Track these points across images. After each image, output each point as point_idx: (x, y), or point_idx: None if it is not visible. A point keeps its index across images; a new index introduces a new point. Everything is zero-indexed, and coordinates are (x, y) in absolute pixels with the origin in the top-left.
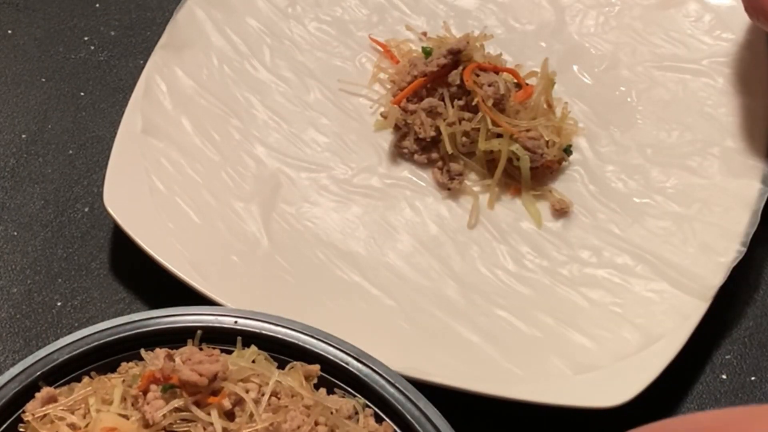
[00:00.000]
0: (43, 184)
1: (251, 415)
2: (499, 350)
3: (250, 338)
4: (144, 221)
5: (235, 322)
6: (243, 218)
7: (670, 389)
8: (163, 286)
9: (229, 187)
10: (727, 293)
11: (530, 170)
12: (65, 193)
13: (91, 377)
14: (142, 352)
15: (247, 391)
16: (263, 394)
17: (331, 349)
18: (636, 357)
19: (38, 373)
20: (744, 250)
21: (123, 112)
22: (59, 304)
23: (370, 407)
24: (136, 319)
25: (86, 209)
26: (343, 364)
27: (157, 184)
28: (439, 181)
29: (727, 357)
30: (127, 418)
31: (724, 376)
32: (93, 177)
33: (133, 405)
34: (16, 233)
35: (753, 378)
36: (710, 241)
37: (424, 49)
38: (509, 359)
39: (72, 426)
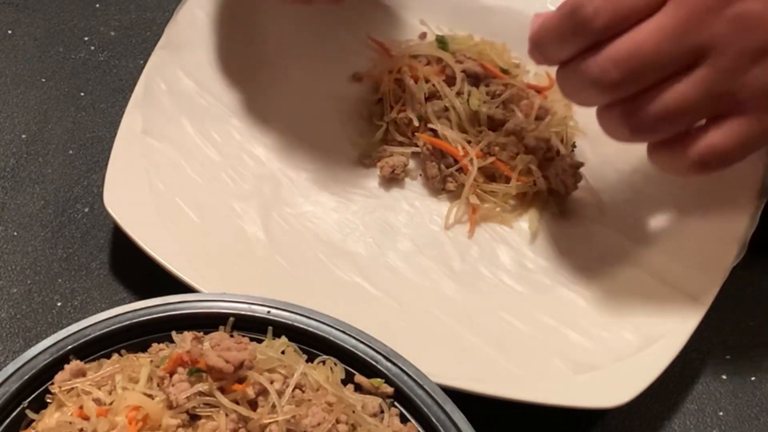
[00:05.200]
0: (43, 184)
1: (273, 406)
2: (499, 350)
3: (282, 329)
4: (144, 221)
5: (269, 312)
6: (243, 218)
7: (670, 389)
8: (163, 286)
9: (229, 187)
10: (727, 293)
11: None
12: (65, 193)
13: (120, 355)
14: (174, 334)
15: (271, 382)
16: (288, 386)
17: (361, 346)
18: (636, 357)
19: (69, 347)
20: (743, 251)
21: (123, 112)
22: (59, 304)
23: (396, 407)
24: (171, 301)
25: (86, 209)
26: (373, 362)
27: (157, 184)
28: (429, 180)
29: (727, 357)
30: (152, 398)
31: (724, 376)
32: (93, 177)
33: (158, 385)
34: (16, 233)
35: (753, 378)
36: (710, 243)
37: (438, 38)
38: (509, 359)
39: (97, 401)
